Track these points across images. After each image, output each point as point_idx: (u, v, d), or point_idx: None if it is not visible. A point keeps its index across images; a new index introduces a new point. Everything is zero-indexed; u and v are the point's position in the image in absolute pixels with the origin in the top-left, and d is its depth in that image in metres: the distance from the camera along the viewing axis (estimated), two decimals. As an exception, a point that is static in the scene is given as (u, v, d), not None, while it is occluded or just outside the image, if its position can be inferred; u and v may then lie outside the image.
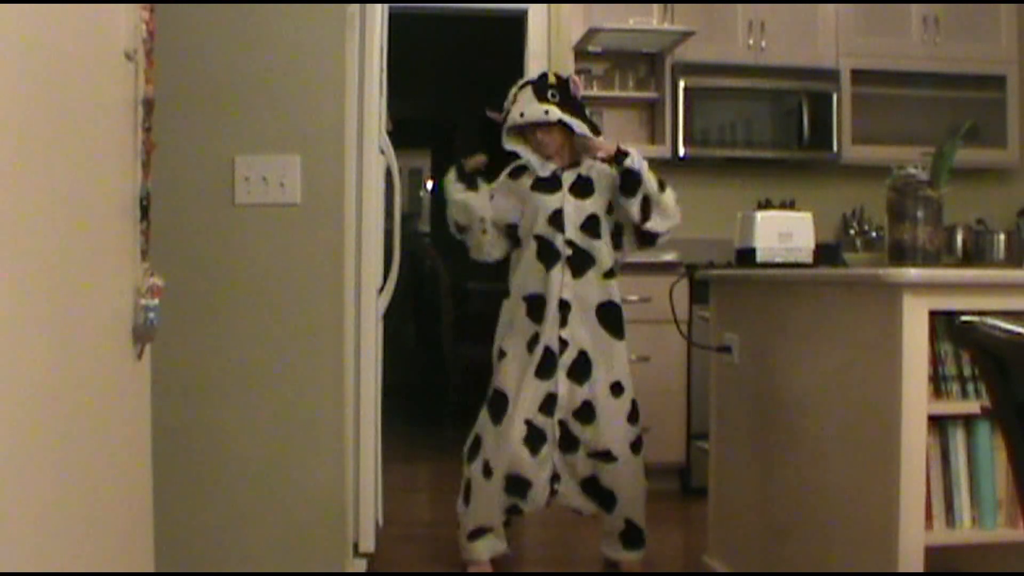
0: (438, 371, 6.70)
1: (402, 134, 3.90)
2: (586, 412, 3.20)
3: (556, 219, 3.22)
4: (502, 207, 3.33)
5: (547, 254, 3.22)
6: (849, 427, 2.40)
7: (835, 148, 4.91)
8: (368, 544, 2.90)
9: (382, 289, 3.18)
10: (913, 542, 2.19)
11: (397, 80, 4.00)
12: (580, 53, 4.82)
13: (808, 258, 3.23)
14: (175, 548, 2.48)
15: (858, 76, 4.93)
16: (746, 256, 3.25)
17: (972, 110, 4.90)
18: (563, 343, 3.19)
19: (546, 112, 3.19)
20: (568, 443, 3.21)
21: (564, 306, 3.19)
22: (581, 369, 3.20)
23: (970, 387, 2.29)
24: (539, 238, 3.23)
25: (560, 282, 3.19)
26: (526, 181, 3.31)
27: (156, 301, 1.58)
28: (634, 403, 3.24)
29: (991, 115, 5.00)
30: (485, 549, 3.26)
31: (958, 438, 2.28)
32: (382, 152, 3.13)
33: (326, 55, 2.63)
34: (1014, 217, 5.17)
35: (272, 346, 2.62)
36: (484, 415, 3.26)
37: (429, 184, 8.67)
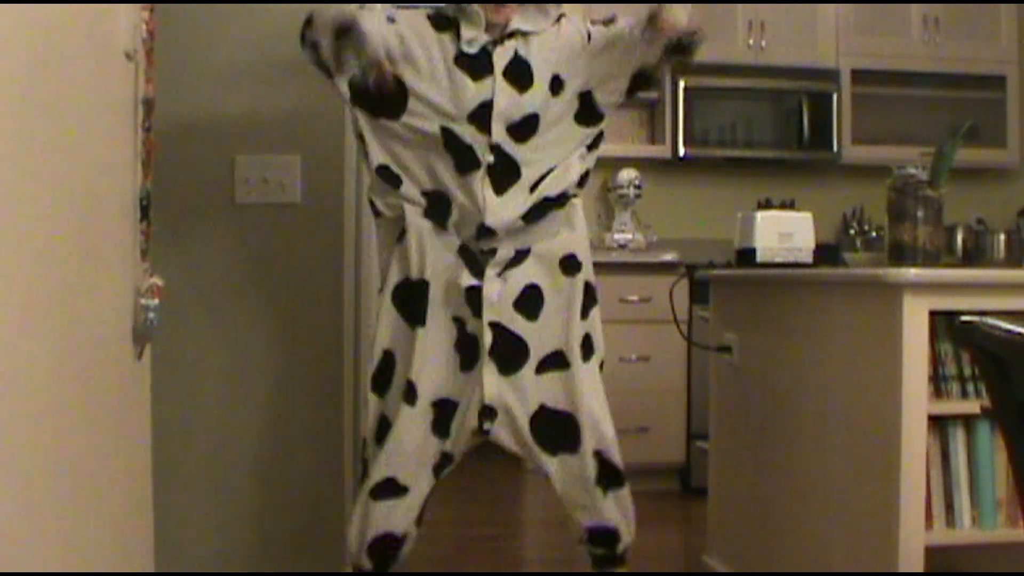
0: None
1: (402, 134, 3.89)
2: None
3: (480, 115, 2.25)
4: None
5: (465, 159, 2.26)
6: (849, 427, 2.39)
7: (835, 148, 4.90)
8: (368, 544, 2.90)
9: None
10: (913, 542, 2.18)
11: (397, 80, 3.99)
12: (580, 53, 4.81)
13: (808, 258, 3.22)
14: (175, 548, 2.48)
15: (858, 76, 4.93)
16: (746, 256, 3.25)
17: (972, 110, 4.89)
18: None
19: None
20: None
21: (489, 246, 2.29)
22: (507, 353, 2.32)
23: (970, 387, 2.29)
24: (447, 131, 2.25)
25: (482, 202, 2.25)
26: (449, 44, 2.27)
27: (156, 301, 1.58)
28: None
29: (991, 115, 5.00)
30: None
31: (958, 438, 2.28)
32: (382, 152, 3.12)
33: (326, 55, 2.63)
34: (1014, 217, 5.17)
35: (272, 346, 2.62)
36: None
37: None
